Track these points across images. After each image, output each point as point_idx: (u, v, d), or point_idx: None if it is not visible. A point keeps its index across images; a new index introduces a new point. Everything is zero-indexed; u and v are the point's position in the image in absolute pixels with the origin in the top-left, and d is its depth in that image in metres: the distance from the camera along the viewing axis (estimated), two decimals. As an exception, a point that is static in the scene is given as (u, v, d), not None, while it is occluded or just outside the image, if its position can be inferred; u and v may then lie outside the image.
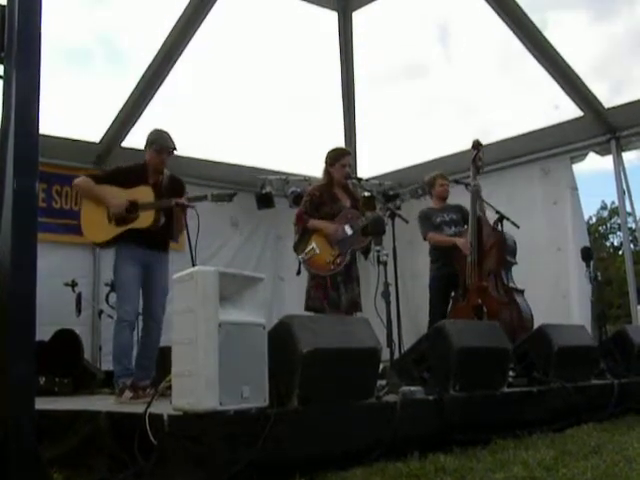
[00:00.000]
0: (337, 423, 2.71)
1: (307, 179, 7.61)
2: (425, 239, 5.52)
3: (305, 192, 5.21)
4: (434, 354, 3.39)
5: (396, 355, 3.76)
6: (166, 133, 4.28)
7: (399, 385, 3.23)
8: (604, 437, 3.26)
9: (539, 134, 6.98)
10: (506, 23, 6.31)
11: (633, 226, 7.24)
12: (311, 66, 8.42)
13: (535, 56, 6.36)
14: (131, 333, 4.12)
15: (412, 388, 3.17)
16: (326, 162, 4.70)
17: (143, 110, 6.65)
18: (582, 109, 6.57)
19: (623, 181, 6.63)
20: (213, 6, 6.35)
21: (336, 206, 4.59)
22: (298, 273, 4.56)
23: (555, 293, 6.75)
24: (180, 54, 6.47)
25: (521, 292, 5.10)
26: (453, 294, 5.33)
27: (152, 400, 2.56)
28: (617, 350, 4.64)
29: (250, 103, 8.62)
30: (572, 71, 6.32)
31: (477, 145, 5.37)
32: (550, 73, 6.41)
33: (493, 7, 6.28)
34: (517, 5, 6.11)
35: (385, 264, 3.88)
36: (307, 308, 4.43)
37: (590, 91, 6.43)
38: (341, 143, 7.79)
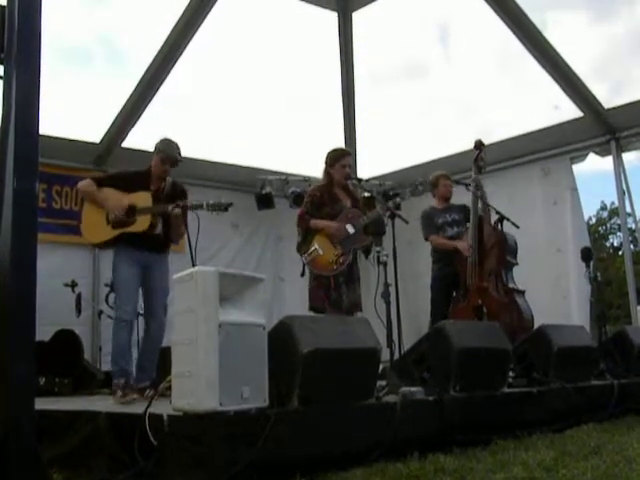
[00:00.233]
0: (337, 423, 2.72)
1: (307, 179, 7.60)
2: (427, 240, 5.53)
3: (305, 192, 5.20)
4: (434, 355, 3.39)
5: (396, 355, 3.76)
6: (175, 144, 4.30)
7: (399, 385, 3.23)
8: (604, 438, 3.25)
9: (539, 134, 6.98)
10: (506, 23, 6.30)
11: (633, 226, 7.25)
12: (311, 66, 8.43)
13: (535, 56, 6.36)
14: (129, 333, 4.13)
15: (412, 389, 3.17)
16: (326, 163, 4.69)
17: (143, 110, 6.65)
18: (582, 110, 6.57)
19: (623, 182, 6.63)
20: (213, 6, 6.35)
21: (337, 206, 4.59)
22: (302, 274, 4.56)
23: (555, 293, 6.74)
24: (180, 54, 6.46)
25: (522, 293, 5.10)
26: (454, 294, 5.33)
27: (152, 400, 2.56)
28: (617, 351, 4.64)
29: (250, 103, 8.63)
30: (572, 71, 6.32)
31: (479, 145, 5.38)
32: (550, 73, 6.40)
33: (493, 7, 6.28)
34: (517, 5, 6.11)
35: (385, 264, 3.88)
36: (310, 308, 4.45)
37: (590, 92, 6.43)
38: (341, 143, 7.77)
